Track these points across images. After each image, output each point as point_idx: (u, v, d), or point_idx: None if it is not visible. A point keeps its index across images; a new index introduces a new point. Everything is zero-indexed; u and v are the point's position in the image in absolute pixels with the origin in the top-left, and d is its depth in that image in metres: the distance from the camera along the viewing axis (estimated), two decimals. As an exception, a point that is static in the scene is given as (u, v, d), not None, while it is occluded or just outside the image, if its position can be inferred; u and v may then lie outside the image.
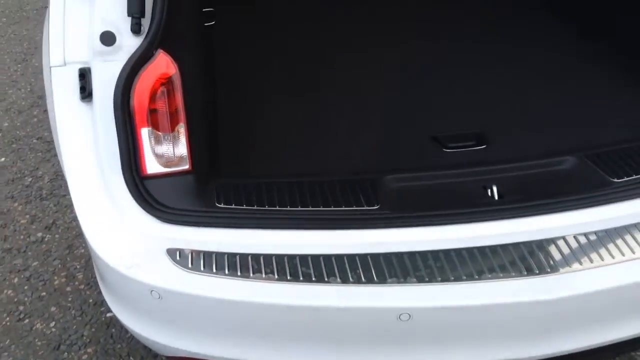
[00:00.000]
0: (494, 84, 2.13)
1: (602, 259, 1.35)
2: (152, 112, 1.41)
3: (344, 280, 1.30)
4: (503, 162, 1.64)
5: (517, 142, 1.79)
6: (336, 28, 2.50)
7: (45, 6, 5.09)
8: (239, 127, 1.90)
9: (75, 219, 2.56)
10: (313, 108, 2.00)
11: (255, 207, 1.43)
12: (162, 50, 1.40)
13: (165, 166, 1.44)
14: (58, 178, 2.85)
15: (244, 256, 1.32)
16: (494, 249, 1.37)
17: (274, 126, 1.92)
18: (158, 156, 1.43)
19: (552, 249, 1.38)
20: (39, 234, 2.57)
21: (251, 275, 1.29)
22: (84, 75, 1.42)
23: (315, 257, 1.33)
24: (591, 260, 1.35)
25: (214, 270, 1.30)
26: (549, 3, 2.70)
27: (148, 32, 1.38)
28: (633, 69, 2.14)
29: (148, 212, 1.38)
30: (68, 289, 2.31)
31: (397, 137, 1.86)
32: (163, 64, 1.41)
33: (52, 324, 2.17)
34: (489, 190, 1.52)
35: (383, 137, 1.87)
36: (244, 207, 1.43)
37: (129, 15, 1.37)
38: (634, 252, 1.36)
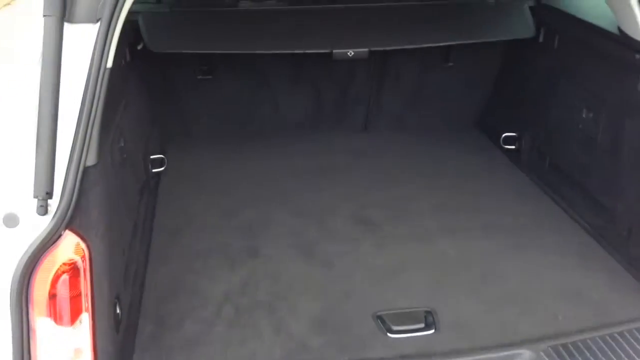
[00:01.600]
0: (445, 257, 2.00)
1: None
2: (53, 301, 1.26)
3: None
4: (453, 353, 1.48)
5: (469, 325, 1.64)
6: (283, 190, 2.42)
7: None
8: (164, 306, 1.73)
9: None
10: (249, 281, 1.85)
11: None
12: (70, 231, 1.28)
13: (63, 363, 1.26)
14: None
15: None
16: None
17: (201, 304, 1.74)
18: (55, 352, 1.26)
19: None
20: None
21: None
22: (-19, 259, 1.27)
23: None
24: None
25: None
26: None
27: (56, 212, 1.26)
28: (586, 253, 2.04)
29: None
30: None
31: (339, 315, 1.69)
32: (69, 248, 1.27)
33: None
34: None
35: (324, 314, 1.70)
36: None
37: (34, 197, 1.25)
38: None
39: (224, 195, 2.34)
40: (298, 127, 2.86)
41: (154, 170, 2.34)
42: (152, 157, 2.34)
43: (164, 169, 2.40)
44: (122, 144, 1.76)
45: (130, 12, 2.23)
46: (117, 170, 1.60)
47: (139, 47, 2.26)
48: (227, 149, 2.70)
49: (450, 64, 2.85)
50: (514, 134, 2.71)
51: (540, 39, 2.54)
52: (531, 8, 2.58)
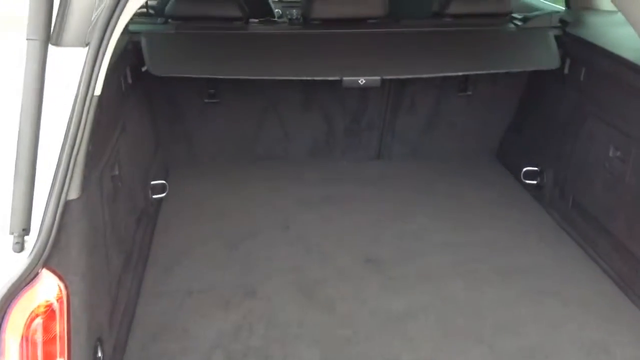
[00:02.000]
0: (456, 302, 1.83)
1: None
2: (25, 346, 1.16)
3: None
4: None
5: None
6: (289, 221, 2.31)
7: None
8: (150, 348, 1.60)
9: None
10: (243, 323, 1.73)
11: None
12: (47, 270, 1.18)
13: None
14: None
15: None
16: None
17: (190, 348, 1.62)
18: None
19: None
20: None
21: None
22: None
23: None
24: None
25: None
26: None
27: (32, 249, 1.17)
28: (611, 304, 1.88)
29: None
30: None
31: None
32: (45, 288, 1.18)
33: None
34: None
35: None
36: None
37: (10, 234, 1.16)
38: None
39: (225, 225, 2.24)
40: (307, 155, 2.76)
41: (154, 197, 2.25)
42: (153, 182, 2.26)
43: (166, 195, 2.32)
44: (117, 172, 1.67)
45: (133, 33, 2.18)
46: (107, 201, 1.51)
47: (144, 69, 2.19)
48: (232, 176, 2.61)
49: (469, 92, 2.74)
50: (535, 168, 2.57)
51: (566, 71, 2.42)
52: (556, 37, 2.46)
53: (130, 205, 1.85)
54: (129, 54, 2.11)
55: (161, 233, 2.16)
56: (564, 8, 2.73)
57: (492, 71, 2.44)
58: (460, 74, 2.48)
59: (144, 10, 2.57)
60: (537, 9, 2.75)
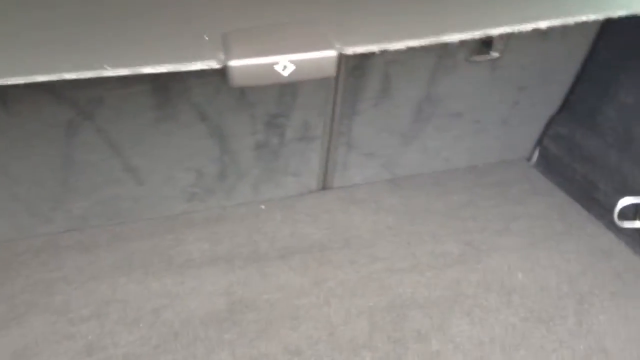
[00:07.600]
0: None
1: None
2: None
3: None
4: None
5: None
6: None
7: None
8: None
9: None
10: None
11: None
12: None
13: None
14: None
15: None
16: None
17: None
18: None
19: None
20: None
21: None
22: None
23: None
24: None
25: None
26: None
27: None
28: None
29: None
30: None
31: None
32: None
33: None
34: None
35: None
36: None
37: None
38: None
39: None
40: (183, 203, 1.53)
41: None
42: None
43: None
44: None
45: None
46: None
47: None
48: (16, 274, 1.36)
49: (494, 53, 1.54)
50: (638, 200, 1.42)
51: None
52: None
53: None
54: None
55: None
56: None
57: (562, 22, 1.23)
58: (495, 32, 1.27)
59: None
60: None
